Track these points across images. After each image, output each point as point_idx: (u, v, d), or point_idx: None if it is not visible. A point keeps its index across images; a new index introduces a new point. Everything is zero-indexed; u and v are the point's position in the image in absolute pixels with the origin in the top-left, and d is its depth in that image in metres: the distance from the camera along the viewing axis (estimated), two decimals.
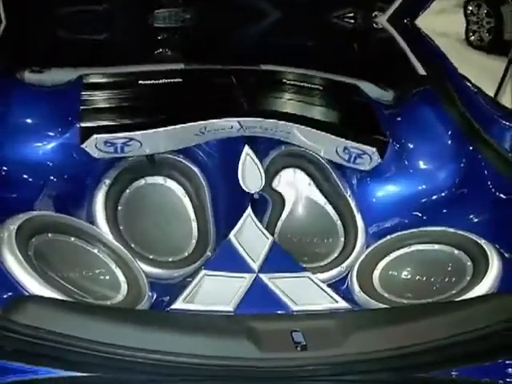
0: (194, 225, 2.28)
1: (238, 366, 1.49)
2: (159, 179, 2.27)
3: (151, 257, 2.13)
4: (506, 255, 2.00)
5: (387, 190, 2.45)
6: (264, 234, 2.27)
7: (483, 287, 1.89)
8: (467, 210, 2.27)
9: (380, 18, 3.03)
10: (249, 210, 2.30)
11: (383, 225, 2.39)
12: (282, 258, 2.19)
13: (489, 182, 2.27)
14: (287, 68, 2.82)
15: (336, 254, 2.35)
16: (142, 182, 2.24)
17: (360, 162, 2.40)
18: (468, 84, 2.71)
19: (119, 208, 2.14)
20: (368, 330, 1.61)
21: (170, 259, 2.19)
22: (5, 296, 1.59)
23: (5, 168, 2.12)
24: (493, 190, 2.25)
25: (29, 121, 2.28)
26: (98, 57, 2.75)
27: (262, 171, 2.31)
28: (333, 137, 2.39)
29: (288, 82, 2.66)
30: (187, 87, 2.50)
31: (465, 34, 7.99)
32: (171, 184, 2.29)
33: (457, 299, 1.88)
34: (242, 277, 2.05)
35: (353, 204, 2.40)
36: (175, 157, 2.33)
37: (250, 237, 2.25)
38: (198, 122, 2.26)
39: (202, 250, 2.25)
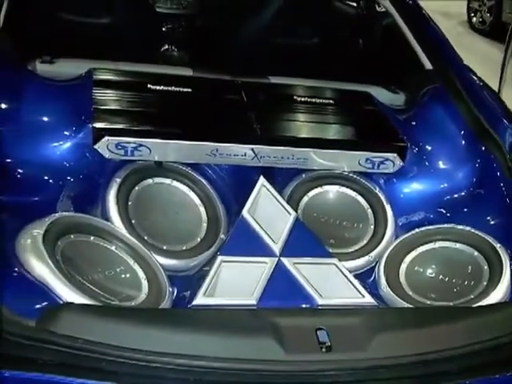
0: (202, 209, 2.25)
1: (263, 370, 1.48)
2: (166, 180, 2.28)
3: (165, 247, 2.11)
4: None
5: (412, 188, 2.48)
6: (285, 209, 2.18)
7: (498, 294, 1.94)
8: (485, 211, 2.28)
9: None
10: (261, 180, 2.24)
11: (411, 218, 2.40)
12: (306, 240, 2.12)
13: (501, 184, 2.28)
14: (296, 80, 2.83)
15: (365, 241, 2.32)
16: (149, 181, 2.25)
17: (384, 167, 2.42)
18: (474, 77, 2.71)
19: (130, 203, 2.15)
20: (391, 334, 1.63)
21: (184, 247, 2.15)
22: (37, 306, 1.56)
23: (23, 170, 2.10)
24: (505, 193, 2.25)
25: (45, 119, 2.27)
26: (105, 44, 2.74)
27: (281, 201, 2.24)
28: (352, 152, 2.39)
29: (299, 99, 2.63)
30: (197, 99, 2.47)
31: (467, 13, 7.99)
32: (177, 184, 2.29)
33: (475, 305, 1.92)
34: (263, 261, 1.99)
35: (382, 197, 2.41)
36: (183, 167, 2.31)
37: (268, 212, 2.16)
38: (210, 143, 2.24)
39: (215, 234, 2.21)
